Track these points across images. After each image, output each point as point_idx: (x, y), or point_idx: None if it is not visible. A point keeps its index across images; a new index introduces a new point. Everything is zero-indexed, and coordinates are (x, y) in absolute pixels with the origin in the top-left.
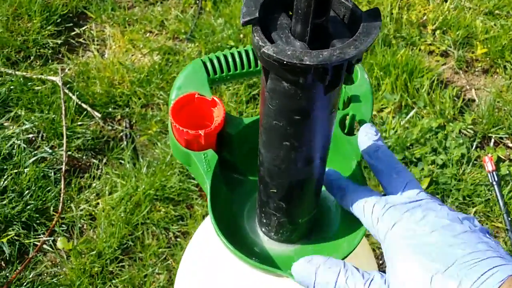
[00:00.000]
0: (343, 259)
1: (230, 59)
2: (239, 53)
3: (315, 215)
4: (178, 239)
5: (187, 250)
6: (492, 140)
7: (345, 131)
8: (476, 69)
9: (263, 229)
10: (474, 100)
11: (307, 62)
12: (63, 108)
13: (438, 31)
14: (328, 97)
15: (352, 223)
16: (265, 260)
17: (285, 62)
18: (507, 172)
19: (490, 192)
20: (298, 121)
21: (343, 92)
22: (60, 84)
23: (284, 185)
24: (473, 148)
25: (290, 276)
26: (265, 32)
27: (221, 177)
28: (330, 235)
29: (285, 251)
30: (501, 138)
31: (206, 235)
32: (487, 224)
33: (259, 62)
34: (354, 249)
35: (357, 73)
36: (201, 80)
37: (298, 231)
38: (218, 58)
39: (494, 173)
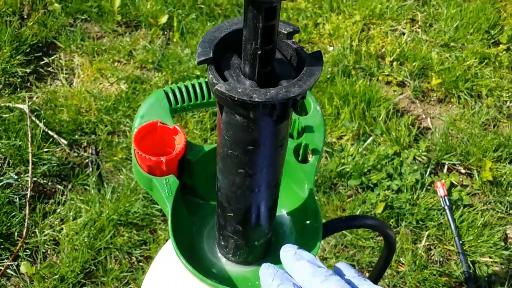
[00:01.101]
0: None
1: (191, 90)
2: (200, 84)
3: (270, 238)
4: (141, 263)
5: (148, 273)
6: (446, 167)
7: (299, 158)
8: (432, 99)
9: (221, 251)
10: (429, 128)
11: (256, 99)
12: (30, 135)
13: (395, 63)
14: (277, 129)
15: (306, 243)
16: (223, 281)
17: (236, 99)
18: (459, 197)
19: (442, 216)
20: (251, 151)
21: (297, 123)
22: (27, 111)
23: (240, 210)
24: (427, 174)
25: None
26: (219, 70)
27: (182, 201)
28: None
29: (242, 272)
30: (454, 164)
31: (167, 258)
32: (439, 247)
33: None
34: None
35: (310, 104)
36: (163, 109)
37: (254, 253)
38: (179, 89)
39: (446, 198)
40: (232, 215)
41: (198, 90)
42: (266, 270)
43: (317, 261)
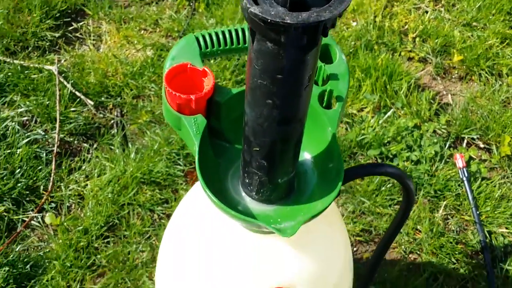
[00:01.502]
0: (316, 216)
1: (220, 35)
2: (229, 31)
3: (293, 177)
4: (162, 220)
5: (170, 221)
6: (465, 141)
7: (323, 105)
8: (453, 76)
9: (245, 190)
10: (449, 104)
11: (288, 21)
12: (58, 94)
13: (418, 39)
14: (306, 58)
15: (326, 186)
16: (247, 216)
17: (269, 21)
18: (477, 169)
19: (460, 187)
20: (279, 80)
21: (323, 70)
22: (56, 72)
23: (266, 144)
24: (446, 147)
25: (271, 227)
26: None
27: (209, 144)
28: (306, 197)
29: (265, 210)
30: (473, 139)
31: (189, 204)
32: (456, 217)
33: (246, 35)
34: (327, 207)
35: (336, 53)
36: (193, 52)
37: (277, 192)
38: (209, 34)
39: (464, 169)
40: (257, 149)
41: (227, 36)
42: None
43: None
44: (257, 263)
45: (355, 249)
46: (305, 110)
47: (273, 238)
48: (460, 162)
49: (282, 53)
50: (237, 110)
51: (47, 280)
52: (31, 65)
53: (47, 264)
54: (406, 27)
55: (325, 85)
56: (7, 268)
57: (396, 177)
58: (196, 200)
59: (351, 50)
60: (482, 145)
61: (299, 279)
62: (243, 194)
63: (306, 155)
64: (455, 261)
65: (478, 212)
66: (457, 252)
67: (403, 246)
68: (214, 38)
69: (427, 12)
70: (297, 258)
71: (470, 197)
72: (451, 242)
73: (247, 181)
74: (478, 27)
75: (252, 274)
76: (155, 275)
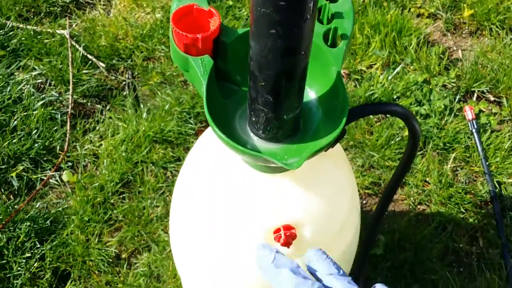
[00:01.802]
0: (320, 150)
1: None
2: None
3: (299, 114)
4: (175, 177)
5: (181, 169)
6: (475, 95)
7: (328, 43)
8: (463, 31)
9: (252, 129)
10: (459, 59)
11: None
12: (70, 57)
13: None
14: None
15: (332, 124)
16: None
17: None
18: (487, 121)
19: (469, 139)
20: (282, 7)
21: (327, 9)
22: (67, 36)
23: (271, 77)
24: (456, 101)
25: (278, 162)
26: None
27: (217, 86)
28: (312, 135)
29: (272, 149)
30: (483, 92)
31: (197, 150)
32: (465, 169)
33: None
34: (332, 142)
35: None
36: None
37: (284, 129)
38: None
39: (474, 121)
40: (263, 84)
41: None
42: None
43: (300, 270)
44: (265, 202)
45: (364, 201)
46: (309, 42)
47: (281, 178)
48: (469, 114)
49: None
50: (243, 50)
51: (66, 234)
52: (44, 30)
53: (66, 219)
54: None
55: (330, 24)
56: (28, 223)
57: (402, 116)
58: (204, 145)
59: (359, 8)
60: (492, 98)
61: (306, 217)
62: (251, 134)
63: (311, 94)
64: (464, 211)
65: (487, 163)
66: (466, 202)
67: (412, 198)
68: None
69: None
70: (304, 197)
71: (480, 148)
72: (459, 192)
73: (254, 119)
74: None
75: (260, 213)
76: (169, 222)
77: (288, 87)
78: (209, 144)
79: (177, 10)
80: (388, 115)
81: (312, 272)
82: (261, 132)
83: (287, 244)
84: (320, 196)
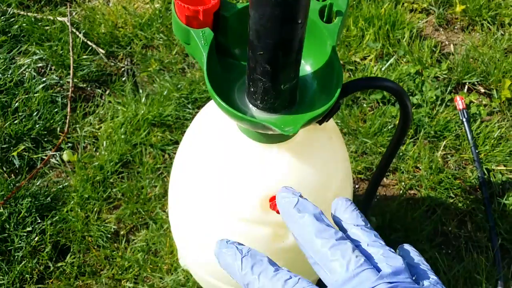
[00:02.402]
0: (315, 119)
1: None
2: None
3: (295, 85)
4: (173, 159)
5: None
6: (466, 87)
7: (324, 19)
8: (456, 27)
9: (250, 100)
10: (451, 54)
11: None
12: (71, 42)
13: None
14: None
15: (327, 96)
16: None
17: None
18: (477, 111)
19: (460, 128)
20: None
21: None
22: (68, 23)
23: (269, 46)
24: (447, 92)
25: (275, 128)
26: None
27: (217, 60)
28: (308, 107)
29: (269, 118)
30: (474, 84)
31: (195, 124)
32: (455, 156)
33: None
34: (327, 110)
35: None
36: None
37: (281, 99)
38: None
39: (464, 111)
40: (261, 53)
41: None
42: (225, 250)
43: (324, 217)
44: (262, 170)
45: (357, 186)
46: (305, 11)
47: (278, 148)
48: (460, 104)
49: None
50: (242, 25)
51: (66, 211)
52: (44, 17)
53: (66, 196)
54: None
55: (326, 1)
56: (29, 200)
57: (394, 91)
58: (202, 119)
59: (354, 2)
60: (482, 90)
61: (301, 185)
62: (249, 105)
63: (307, 68)
64: (453, 196)
65: (477, 151)
66: (455, 188)
67: (403, 183)
68: None
69: None
70: (300, 167)
71: (469, 136)
72: (449, 178)
73: (252, 89)
74: None
75: (257, 181)
76: (168, 194)
77: (286, 56)
78: (207, 118)
79: None
80: (380, 103)
81: (337, 222)
82: (259, 102)
83: None
84: (314, 167)
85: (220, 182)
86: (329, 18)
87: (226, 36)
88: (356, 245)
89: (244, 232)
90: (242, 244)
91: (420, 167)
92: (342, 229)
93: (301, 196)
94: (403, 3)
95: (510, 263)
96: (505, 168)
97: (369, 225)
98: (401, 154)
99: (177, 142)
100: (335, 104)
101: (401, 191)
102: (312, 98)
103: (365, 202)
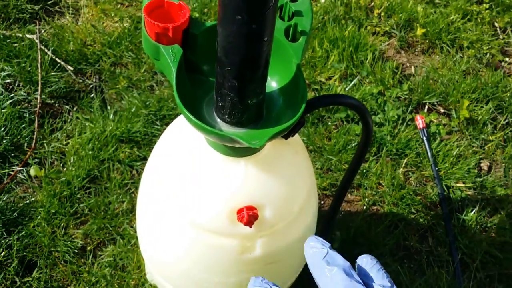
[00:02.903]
0: (281, 133)
1: None
2: None
3: (262, 100)
4: (141, 175)
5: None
6: (426, 107)
7: (289, 38)
8: (416, 49)
9: (219, 114)
10: (412, 75)
11: None
12: (39, 59)
13: (383, 15)
14: None
15: (293, 111)
16: None
17: None
18: (436, 130)
19: (420, 147)
20: None
21: (288, 7)
22: (37, 40)
23: (236, 62)
24: (408, 111)
25: (243, 141)
26: None
27: (186, 76)
28: (274, 121)
29: (237, 132)
30: (434, 104)
31: (164, 139)
32: (416, 173)
33: None
34: (292, 125)
35: None
36: None
37: (248, 114)
38: None
39: (424, 130)
40: (229, 68)
41: None
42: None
43: (353, 273)
44: (230, 183)
45: (322, 202)
46: (271, 29)
47: (245, 161)
48: (420, 123)
49: None
50: (210, 42)
51: (33, 226)
52: (13, 35)
53: (33, 212)
54: (372, 3)
55: (291, 21)
56: None
57: (356, 108)
58: (170, 133)
59: (319, 24)
60: (442, 110)
61: (267, 199)
62: (217, 119)
63: (274, 84)
64: (414, 212)
65: (437, 168)
66: (416, 203)
67: (366, 199)
68: None
69: None
70: (266, 180)
71: (429, 154)
72: (410, 194)
73: (220, 104)
74: (441, 4)
75: (225, 193)
76: (136, 206)
77: (252, 72)
78: (175, 132)
79: (149, 3)
80: (345, 121)
81: (363, 278)
82: (226, 116)
83: (249, 223)
84: (280, 180)
85: (188, 195)
86: (294, 37)
87: (195, 53)
88: None
89: (212, 244)
90: (277, 286)
91: (383, 184)
92: (367, 285)
93: (330, 247)
94: (366, 26)
95: (470, 277)
96: (464, 185)
97: (394, 287)
98: (364, 171)
99: (145, 158)
100: (300, 119)
101: (364, 207)
102: (278, 113)
103: (330, 217)
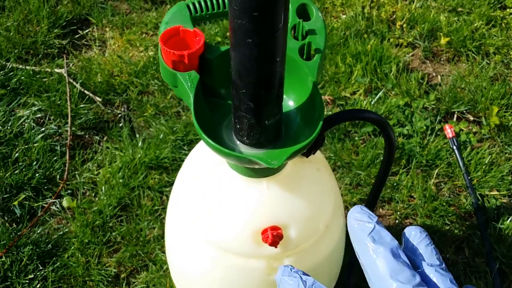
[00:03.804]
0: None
1: (208, 1)
2: None
3: (279, 120)
4: None
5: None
6: (455, 115)
7: (304, 57)
8: (442, 58)
9: (237, 137)
10: (439, 84)
11: None
12: (68, 92)
13: (405, 26)
14: None
15: (310, 129)
16: None
17: None
18: (467, 139)
19: (451, 156)
20: (256, 18)
21: (301, 26)
22: (65, 74)
23: (251, 84)
24: (437, 121)
25: (261, 162)
26: None
27: (204, 101)
28: (293, 141)
29: (256, 153)
30: (463, 112)
31: (187, 164)
32: (448, 184)
33: None
34: (310, 142)
35: (313, 12)
36: (184, 17)
37: (266, 134)
38: (198, 1)
39: (454, 139)
40: (244, 91)
41: (215, 2)
42: (288, 278)
43: (401, 253)
44: (253, 204)
45: None
46: (283, 50)
47: (267, 182)
48: (449, 133)
49: None
50: (226, 66)
51: (67, 257)
52: (42, 70)
53: (67, 242)
54: (394, 16)
55: (304, 40)
56: (30, 247)
57: (376, 122)
58: (193, 158)
59: (341, 40)
60: (471, 118)
61: (291, 218)
62: (237, 141)
63: (291, 103)
64: (449, 223)
65: (469, 177)
66: (450, 215)
67: (398, 212)
68: (203, 3)
69: (413, 1)
70: (289, 200)
71: (461, 163)
72: (443, 205)
73: (238, 126)
74: (464, 12)
75: (249, 215)
76: (165, 235)
77: (267, 93)
78: (197, 157)
79: (165, 32)
80: (372, 135)
81: (409, 255)
82: (245, 138)
83: (274, 243)
84: (304, 198)
85: (213, 219)
86: (308, 55)
87: (212, 77)
88: None
89: (239, 266)
90: (308, 275)
91: (414, 196)
92: (414, 265)
93: (378, 222)
94: (388, 39)
95: (509, 287)
96: (498, 193)
97: (444, 265)
98: (395, 184)
99: (174, 184)
100: (319, 137)
101: (397, 221)
102: (296, 132)
103: None
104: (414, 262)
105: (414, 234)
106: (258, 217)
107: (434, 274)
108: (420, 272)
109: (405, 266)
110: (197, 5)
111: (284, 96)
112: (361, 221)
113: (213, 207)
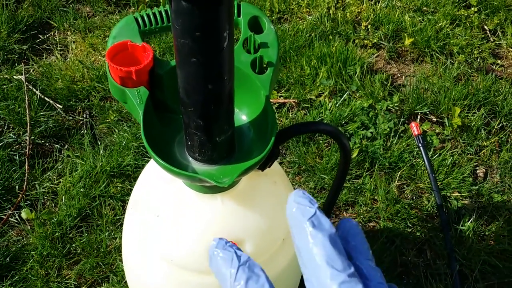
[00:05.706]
0: (251, 168)
1: (157, 14)
2: (165, 11)
3: (231, 136)
4: None
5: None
6: (418, 117)
7: (256, 70)
8: (406, 59)
9: (189, 153)
10: (403, 85)
11: None
12: (27, 99)
13: (370, 27)
14: (219, 15)
15: (264, 144)
16: None
17: None
18: (430, 140)
19: (414, 158)
20: (199, 38)
21: (253, 40)
22: (24, 81)
23: (199, 102)
24: (400, 123)
25: (211, 180)
26: None
27: (155, 116)
28: (246, 156)
29: (208, 170)
30: (426, 114)
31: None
32: (411, 186)
33: None
34: (262, 159)
35: (265, 24)
36: (133, 31)
37: (218, 151)
38: (147, 14)
39: (420, 136)
40: (192, 109)
41: (163, 15)
42: (221, 252)
43: (338, 241)
44: (208, 220)
45: None
46: (230, 68)
47: (221, 197)
48: (415, 130)
49: (196, 11)
50: (176, 81)
51: (26, 270)
52: (1, 77)
53: (26, 255)
54: (359, 17)
55: (256, 53)
56: None
57: (331, 134)
58: (147, 172)
59: (307, 42)
60: (434, 119)
61: (247, 233)
62: (189, 158)
63: (243, 117)
64: (411, 225)
65: (434, 175)
66: (412, 217)
67: (361, 216)
68: (152, 17)
69: (378, 1)
70: (245, 214)
71: (427, 162)
72: (406, 208)
73: (189, 143)
74: (429, 11)
75: (204, 230)
76: (122, 249)
77: (216, 110)
78: (153, 170)
79: (112, 47)
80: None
81: (344, 246)
82: (197, 155)
83: None
84: (259, 212)
85: (166, 236)
86: (261, 69)
87: (163, 92)
88: (364, 283)
89: (194, 282)
90: (241, 250)
91: (377, 199)
92: (348, 256)
93: (318, 208)
94: (354, 40)
95: None
96: (459, 194)
97: (374, 261)
98: (358, 187)
99: None
100: (273, 150)
101: (360, 224)
102: (250, 147)
103: None
104: (348, 253)
105: (350, 226)
106: (213, 233)
107: (366, 266)
108: (353, 263)
109: (342, 255)
110: (146, 18)
111: (237, 110)
112: (302, 205)
113: (167, 224)
